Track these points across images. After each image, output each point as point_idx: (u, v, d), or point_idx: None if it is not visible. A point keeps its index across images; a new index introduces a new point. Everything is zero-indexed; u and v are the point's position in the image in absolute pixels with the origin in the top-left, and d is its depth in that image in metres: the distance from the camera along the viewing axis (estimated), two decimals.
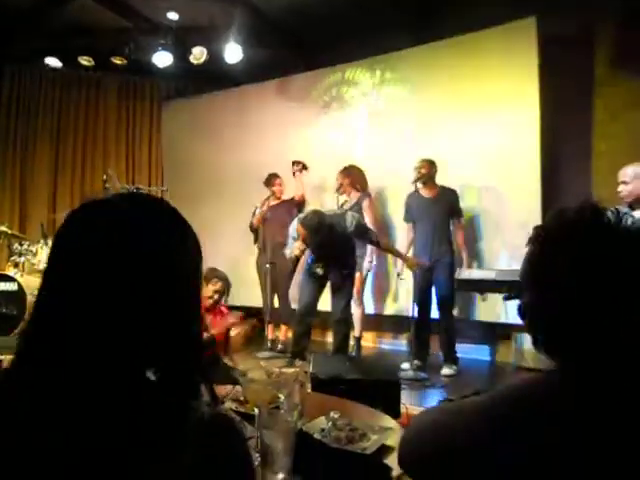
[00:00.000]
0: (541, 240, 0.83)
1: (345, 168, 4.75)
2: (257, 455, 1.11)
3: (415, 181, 4.21)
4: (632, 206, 3.30)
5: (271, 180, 5.20)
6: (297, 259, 4.08)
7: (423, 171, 4.26)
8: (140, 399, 0.64)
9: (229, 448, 0.65)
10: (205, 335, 3.13)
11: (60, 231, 0.70)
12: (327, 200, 5.20)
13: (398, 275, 4.48)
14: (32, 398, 0.62)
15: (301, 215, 4.07)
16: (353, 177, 4.70)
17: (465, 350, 4.68)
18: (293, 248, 3.96)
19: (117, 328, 0.65)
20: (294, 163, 5.12)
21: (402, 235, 4.75)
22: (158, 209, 0.74)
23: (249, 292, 5.28)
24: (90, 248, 0.66)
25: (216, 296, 3.24)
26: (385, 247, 4.31)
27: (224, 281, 3.25)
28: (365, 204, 4.66)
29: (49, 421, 0.61)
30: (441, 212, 4.28)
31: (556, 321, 0.80)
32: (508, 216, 4.41)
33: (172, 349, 0.69)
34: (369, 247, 4.65)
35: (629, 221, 0.78)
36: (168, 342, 0.69)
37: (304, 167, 5.11)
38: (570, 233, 0.80)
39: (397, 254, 4.31)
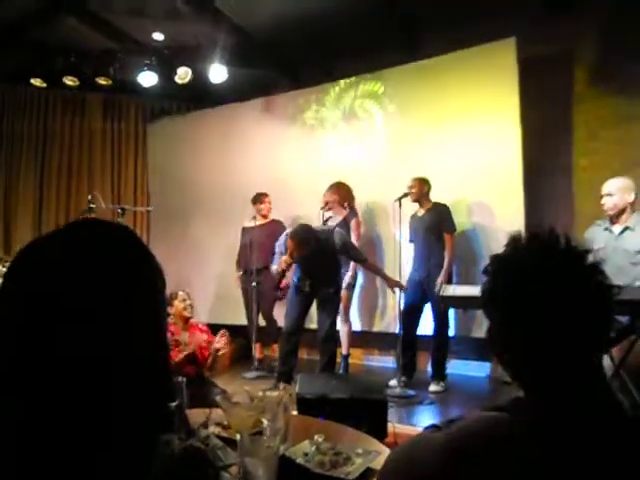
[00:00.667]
0: (493, 271, 0.85)
1: (333, 185, 4.74)
2: None
3: (399, 199, 4.21)
4: (612, 220, 3.34)
5: (260, 198, 5.15)
6: (283, 273, 4.08)
7: (414, 190, 4.29)
8: (107, 436, 0.61)
9: None
10: (186, 352, 3.11)
11: (11, 266, 0.65)
12: (311, 217, 5.16)
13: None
14: None
15: (290, 229, 4.09)
16: (341, 194, 4.69)
17: (463, 367, 4.71)
18: (280, 262, 3.99)
19: (78, 362, 0.61)
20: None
21: (390, 253, 4.77)
22: (117, 238, 0.70)
23: (234, 310, 5.26)
24: (45, 280, 0.62)
25: (189, 310, 3.25)
26: (369, 266, 4.33)
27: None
28: (353, 224, 4.65)
29: (11, 456, 0.58)
30: (431, 228, 4.29)
31: (506, 351, 0.83)
32: (494, 232, 4.44)
33: (139, 382, 0.65)
34: (352, 262, 4.67)
35: (579, 246, 0.80)
36: (135, 375, 0.65)
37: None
38: (519, 266, 0.82)
39: (379, 273, 4.34)
